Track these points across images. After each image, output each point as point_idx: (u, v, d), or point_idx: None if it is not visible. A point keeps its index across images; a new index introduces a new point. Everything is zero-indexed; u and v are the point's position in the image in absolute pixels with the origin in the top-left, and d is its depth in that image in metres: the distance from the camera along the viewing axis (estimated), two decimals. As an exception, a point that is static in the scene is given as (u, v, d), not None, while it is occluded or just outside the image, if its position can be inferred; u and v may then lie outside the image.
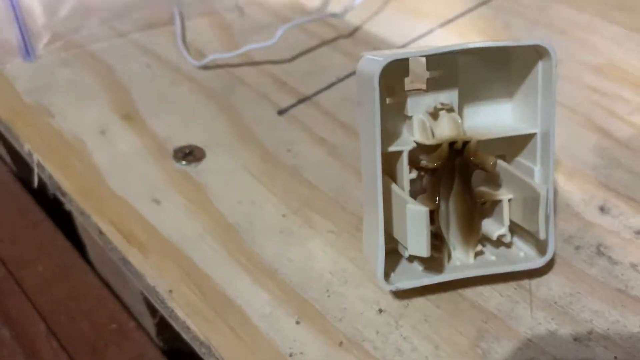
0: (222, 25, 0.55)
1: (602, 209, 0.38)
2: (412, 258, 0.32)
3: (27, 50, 0.50)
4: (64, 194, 0.40)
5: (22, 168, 0.55)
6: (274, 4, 0.58)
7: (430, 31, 0.53)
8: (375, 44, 0.52)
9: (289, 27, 0.48)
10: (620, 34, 0.54)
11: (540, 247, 0.33)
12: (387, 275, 0.31)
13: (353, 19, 0.55)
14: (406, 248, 0.30)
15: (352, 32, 0.53)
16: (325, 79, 0.48)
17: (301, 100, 0.46)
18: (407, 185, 0.31)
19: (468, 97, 0.33)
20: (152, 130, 0.44)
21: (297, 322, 0.32)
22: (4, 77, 0.48)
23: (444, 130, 0.31)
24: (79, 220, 0.43)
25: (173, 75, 0.49)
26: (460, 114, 0.32)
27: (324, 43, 0.52)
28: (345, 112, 0.45)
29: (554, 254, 0.35)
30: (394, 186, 0.30)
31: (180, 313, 0.33)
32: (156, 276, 0.34)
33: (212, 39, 0.53)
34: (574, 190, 0.39)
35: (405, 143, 0.31)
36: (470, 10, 0.56)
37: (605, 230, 0.37)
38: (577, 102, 0.46)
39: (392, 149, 0.30)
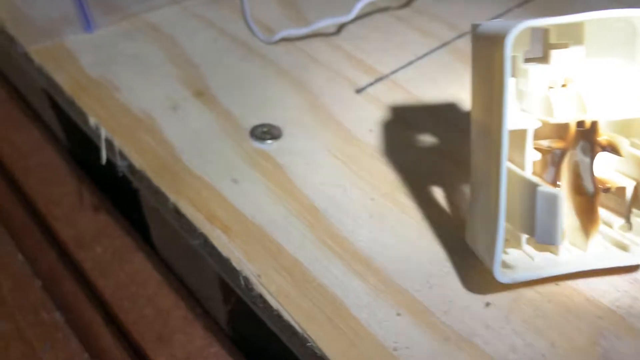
0: None
1: None
2: (522, 247, 0.30)
3: (88, 21, 0.47)
4: (134, 171, 0.38)
5: (77, 145, 0.53)
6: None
7: (509, 10, 0.50)
8: (452, 21, 0.49)
9: (365, 3, 0.45)
10: None
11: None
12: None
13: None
14: (531, 236, 0.27)
15: (427, 8, 0.50)
16: (402, 57, 0.45)
17: (379, 79, 0.43)
18: (529, 168, 0.28)
19: (592, 72, 0.30)
20: (225, 107, 0.41)
21: (398, 314, 0.29)
22: (66, 50, 0.46)
23: (569, 108, 0.28)
24: (146, 199, 0.41)
25: (242, 50, 0.46)
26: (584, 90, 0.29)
27: (398, 19, 0.49)
28: (425, 92, 0.42)
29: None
30: (516, 169, 0.28)
31: (271, 300, 0.30)
32: (242, 259, 0.32)
33: (278, 14, 0.50)
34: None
35: (527, 121, 0.28)
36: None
37: None
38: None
39: (515, 127, 0.27)
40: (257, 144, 0.38)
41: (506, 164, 0.27)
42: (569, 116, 0.28)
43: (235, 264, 0.32)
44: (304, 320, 0.29)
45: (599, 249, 0.30)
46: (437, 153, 0.38)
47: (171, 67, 0.45)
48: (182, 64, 0.45)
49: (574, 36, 0.28)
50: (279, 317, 0.30)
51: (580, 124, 0.28)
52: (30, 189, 0.51)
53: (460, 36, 0.47)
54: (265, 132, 0.39)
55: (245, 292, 0.32)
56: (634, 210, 0.30)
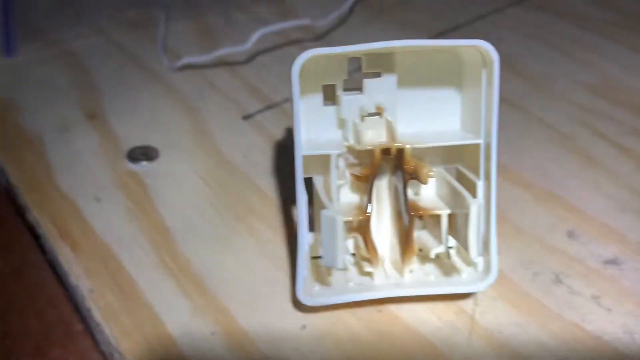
0: (206, 30, 0.54)
1: (571, 234, 0.35)
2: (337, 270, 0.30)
3: (9, 47, 0.50)
4: (12, 186, 0.39)
5: None
6: (263, 11, 0.57)
7: (438, 35, 0.51)
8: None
9: (266, 32, 0.47)
10: (623, 53, 0.50)
11: (486, 269, 0.30)
12: (313, 288, 0.29)
13: (342, 29, 0.54)
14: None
15: (335, 42, 0.52)
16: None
17: (269, 107, 0.44)
18: (335, 192, 0.29)
19: (413, 101, 0.30)
20: (113, 129, 0.43)
21: (213, 334, 0.30)
22: (-19, 73, 0.49)
23: (377, 135, 0.29)
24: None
25: (145, 76, 0.48)
26: (400, 118, 0.30)
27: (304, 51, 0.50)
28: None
29: (509, 280, 0.32)
30: (319, 191, 0.28)
31: (96, 314, 0.31)
32: (80, 275, 0.33)
33: (192, 43, 0.52)
34: (543, 212, 0.36)
35: (337, 147, 0.29)
36: (465, 24, 0.54)
37: (570, 257, 0.33)
38: (561, 122, 0.43)
39: (318, 152, 0.28)
40: (130, 165, 0.39)
41: (303, 187, 0.27)
42: (374, 143, 0.28)
43: (73, 278, 0.33)
44: (120, 335, 0.30)
45: (419, 277, 0.30)
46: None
47: (75, 92, 0.47)
48: (85, 89, 0.47)
49: (385, 65, 0.29)
50: (101, 331, 0.31)
51: (386, 151, 0.28)
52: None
53: (360, 67, 0.48)
54: (142, 154, 0.40)
55: (81, 307, 0.33)
56: (454, 239, 0.30)
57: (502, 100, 0.45)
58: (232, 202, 0.37)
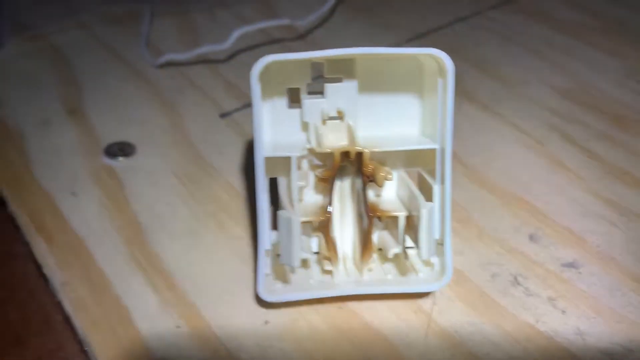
0: (190, 27, 0.55)
1: (532, 237, 0.36)
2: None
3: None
4: (-7, 180, 0.40)
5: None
6: (247, 10, 0.58)
7: (396, 45, 0.52)
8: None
9: (245, 31, 0.48)
10: (597, 57, 0.51)
11: (442, 270, 0.31)
12: (275, 285, 0.30)
13: (323, 28, 0.54)
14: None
15: (316, 41, 0.52)
16: (278, 86, 0.47)
17: (247, 105, 0.45)
18: (295, 193, 0.30)
19: (376, 106, 0.31)
20: (91, 124, 0.44)
21: (178, 327, 0.31)
22: (-35, 66, 0.50)
23: (338, 138, 0.30)
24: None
25: (127, 72, 0.49)
26: (363, 122, 0.31)
27: (287, 50, 0.51)
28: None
29: (468, 280, 0.33)
30: (281, 191, 0.29)
31: (67, 307, 0.32)
32: (53, 267, 0.34)
33: (175, 40, 0.53)
34: (507, 215, 0.37)
35: (299, 149, 0.30)
36: (443, 26, 0.54)
37: (529, 259, 0.34)
38: (533, 126, 0.44)
39: (279, 154, 0.29)
40: (107, 161, 0.40)
41: (263, 187, 0.28)
42: (334, 146, 0.29)
43: (46, 270, 0.34)
44: (88, 326, 0.31)
45: (378, 276, 0.31)
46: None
47: (57, 86, 0.47)
48: (67, 84, 0.48)
49: (346, 71, 0.30)
50: (72, 323, 0.32)
51: (346, 154, 0.29)
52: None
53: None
54: (119, 150, 0.41)
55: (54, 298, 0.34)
56: (411, 240, 0.31)
57: (477, 103, 0.47)
58: (204, 198, 0.38)
